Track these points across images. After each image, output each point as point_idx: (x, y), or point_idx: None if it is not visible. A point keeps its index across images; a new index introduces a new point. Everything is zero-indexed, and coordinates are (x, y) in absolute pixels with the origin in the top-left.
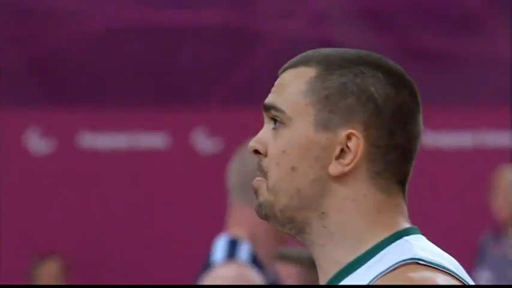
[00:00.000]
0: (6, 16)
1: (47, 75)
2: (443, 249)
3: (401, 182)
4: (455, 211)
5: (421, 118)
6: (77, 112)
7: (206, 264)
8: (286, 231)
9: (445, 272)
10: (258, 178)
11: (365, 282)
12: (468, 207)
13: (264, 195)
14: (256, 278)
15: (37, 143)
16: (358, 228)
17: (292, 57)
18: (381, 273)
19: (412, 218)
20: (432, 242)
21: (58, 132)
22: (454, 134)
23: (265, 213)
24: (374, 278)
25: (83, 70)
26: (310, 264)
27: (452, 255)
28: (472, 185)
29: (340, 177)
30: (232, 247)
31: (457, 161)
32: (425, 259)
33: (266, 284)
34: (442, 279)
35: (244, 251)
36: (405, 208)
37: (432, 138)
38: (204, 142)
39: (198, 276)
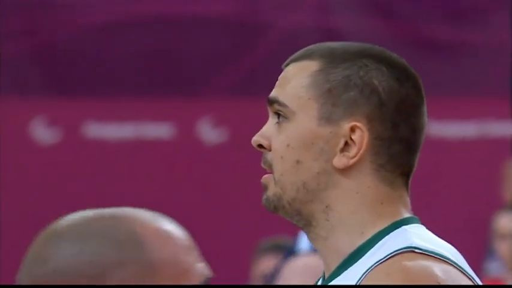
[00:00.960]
0: (11, 6)
1: (53, 65)
2: (449, 240)
3: (405, 175)
4: (460, 201)
5: (425, 110)
6: (83, 102)
7: (289, 252)
8: (294, 223)
9: (442, 260)
10: (265, 175)
11: (363, 272)
12: (473, 197)
13: (272, 189)
14: None
15: (42, 133)
16: (360, 219)
17: (297, 47)
18: (377, 262)
19: (417, 209)
20: (438, 233)
21: (63, 122)
22: (459, 123)
23: (274, 206)
24: (370, 267)
25: (88, 60)
26: None
27: (458, 246)
28: (477, 175)
29: (345, 170)
30: None
31: (462, 151)
32: (422, 247)
33: None
34: (438, 268)
35: None
36: (408, 200)
37: (437, 128)
38: (209, 132)
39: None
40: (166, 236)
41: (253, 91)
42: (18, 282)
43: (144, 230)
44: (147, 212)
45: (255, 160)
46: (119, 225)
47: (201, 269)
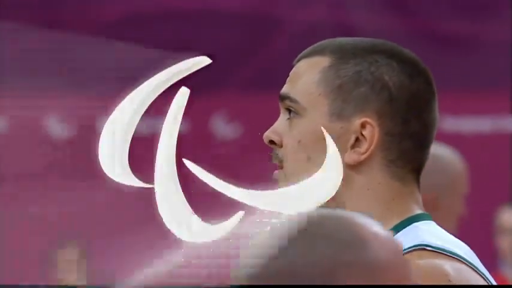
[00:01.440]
0: (27, 2)
1: (67, 61)
2: (463, 236)
3: (416, 170)
4: (475, 197)
5: (436, 106)
6: (98, 98)
7: None
8: None
9: (453, 258)
10: (276, 171)
11: None
12: (488, 193)
13: (283, 185)
14: None
15: (57, 128)
16: (372, 216)
17: (310, 43)
18: None
19: None
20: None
21: (78, 118)
22: (473, 118)
23: None
24: None
25: (103, 55)
26: None
27: (472, 242)
28: (491, 170)
29: (356, 166)
30: None
31: (476, 146)
32: (433, 245)
33: None
34: (449, 266)
35: None
36: (419, 196)
37: (451, 123)
38: (223, 127)
39: None
40: (384, 238)
41: (267, 86)
42: (233, 282)
43: (364, 231)
44: (357, 214)
45: (267, 156)
46: (341, 227)
47: (411, 273)
